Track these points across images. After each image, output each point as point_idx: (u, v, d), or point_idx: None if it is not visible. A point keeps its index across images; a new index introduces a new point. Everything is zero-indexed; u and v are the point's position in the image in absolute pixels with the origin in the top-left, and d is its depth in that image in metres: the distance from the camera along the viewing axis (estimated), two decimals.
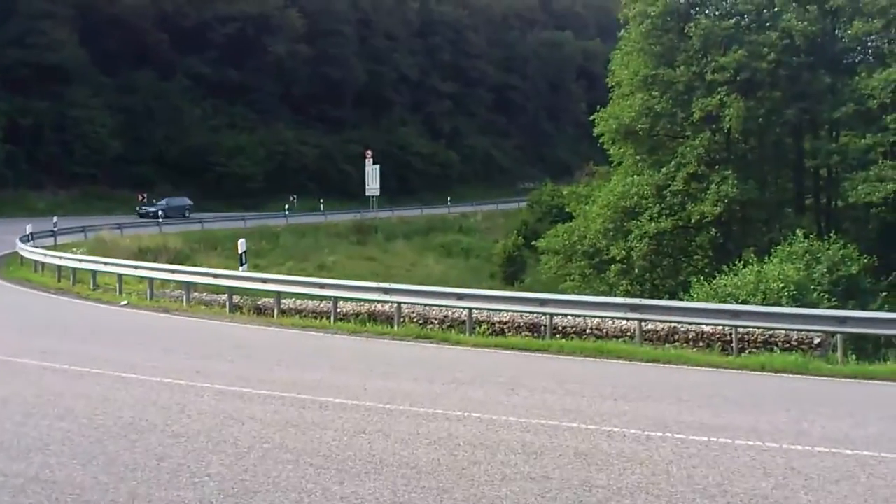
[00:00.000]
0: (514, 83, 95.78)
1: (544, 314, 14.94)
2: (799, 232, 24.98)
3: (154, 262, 23.80)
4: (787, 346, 13.61)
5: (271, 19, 72.06)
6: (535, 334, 15.20)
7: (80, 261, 22.63)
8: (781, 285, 18.51)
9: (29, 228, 31.01)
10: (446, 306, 16.23)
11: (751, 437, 7.04)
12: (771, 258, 22.61)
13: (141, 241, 32.48)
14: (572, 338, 14.62)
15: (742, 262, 21.45)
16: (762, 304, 16.96)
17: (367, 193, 59.60)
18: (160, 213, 50.87)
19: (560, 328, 15.11)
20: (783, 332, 13.76)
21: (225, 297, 18.29)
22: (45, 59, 57.38)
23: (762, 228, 31.93)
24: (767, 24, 32.82)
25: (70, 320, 16.02)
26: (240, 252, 21.46)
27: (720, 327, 14.10)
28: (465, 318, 15.50)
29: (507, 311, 15.81)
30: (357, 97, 79.73)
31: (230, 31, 70.17)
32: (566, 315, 15.24)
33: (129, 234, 35.51)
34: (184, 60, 68.33)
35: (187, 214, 53.23)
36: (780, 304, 17.14)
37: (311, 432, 6.80)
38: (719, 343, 14.07)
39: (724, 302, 17.61)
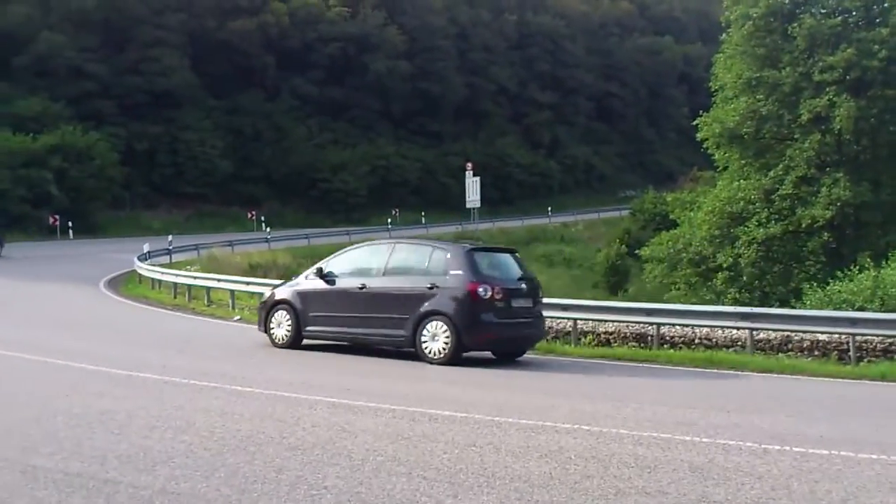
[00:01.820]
0: (614, 90, 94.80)
1: (651, 324, 14.71)
2: None
3: (264, 277, 24.49)
4: None
5: (371, 38, 73.60)
6: (642, 345, 14.99)
7: (195, 278, 23.51)
8: None
9: (146, 247, 32.35)
10: (551, 317, 16.14)
11: (875, 451, 6.75)
12: (888, 262, 21.60)
13: (251, 257, 33.46)
14: (680, 348, 14.36)
15: (857, 267, 20.60)
16: (881, 311, 16.23)
17: (468, 205, 59.75)
18: None
19: (668, 338, 14.84)
20: None
21: None
22: (158, 84, 60.21)
23: (878, 232, 30.49)
24: (877, 20, 31.47)
25: (186, 335, 16.60)
26: None
27: (836, 336, 13.59)
28: (570, 329, 15.40)
29: (613, 321, 15.64)
30: (456, 110, 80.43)
31: (332, 51, 72.05)
32: (674, 325, 14.97)
33: (239, 251, 36.63)
34: (289, 81, 70.50)
35: (1, 254, 36.00)
36: None
37: (422, 445, 6.86)
38: (836, 352, 13.57)
39: (839, 309, 16.93)
